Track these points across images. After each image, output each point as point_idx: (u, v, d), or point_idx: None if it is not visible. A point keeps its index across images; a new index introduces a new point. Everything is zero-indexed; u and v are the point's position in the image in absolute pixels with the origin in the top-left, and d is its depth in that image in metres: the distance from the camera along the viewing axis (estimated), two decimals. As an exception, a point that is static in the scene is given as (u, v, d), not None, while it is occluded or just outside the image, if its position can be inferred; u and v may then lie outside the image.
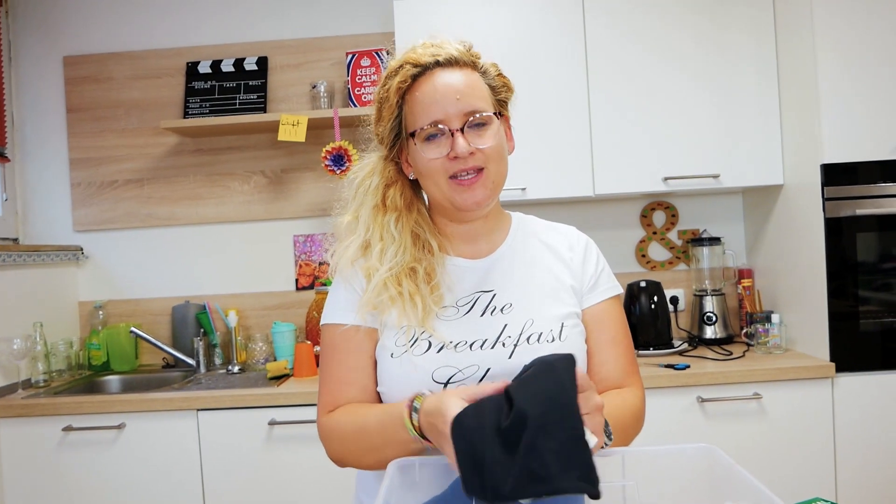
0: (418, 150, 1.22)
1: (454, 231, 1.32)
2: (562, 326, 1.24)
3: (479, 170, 1.21)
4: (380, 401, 1.26)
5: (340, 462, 1.24)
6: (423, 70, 1.22)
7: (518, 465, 0.91)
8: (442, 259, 1.29)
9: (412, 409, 1.08)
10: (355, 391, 1.24)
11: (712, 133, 2.79)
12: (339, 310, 1.28)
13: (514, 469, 0.90)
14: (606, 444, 1.05)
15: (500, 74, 1.31)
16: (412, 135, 1.22)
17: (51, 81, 3.33)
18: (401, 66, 1.23)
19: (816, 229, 2.52)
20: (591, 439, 0.94)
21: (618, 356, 1.31)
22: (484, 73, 1.27)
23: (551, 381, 0.98)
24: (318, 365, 1.37)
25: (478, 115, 1.21)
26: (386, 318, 1.24)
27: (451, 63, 1.23)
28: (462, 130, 1.19)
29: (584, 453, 0.93)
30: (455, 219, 1.30)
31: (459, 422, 0.96)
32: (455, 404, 0.99)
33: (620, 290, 1.38)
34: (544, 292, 1.29)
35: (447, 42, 1.25)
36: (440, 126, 1.20)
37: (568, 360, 1.03)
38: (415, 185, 1.33)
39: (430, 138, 1.21)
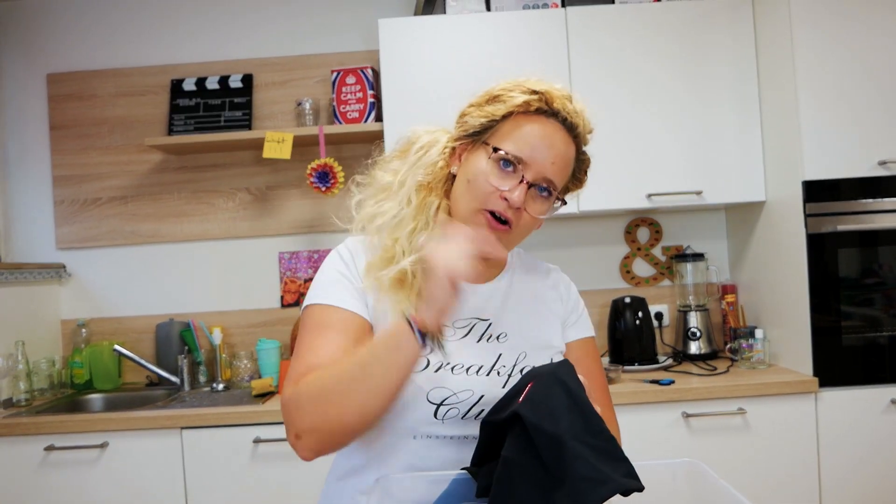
0: (485, 165, 1.19)
1: None
2: (551, 361, 1.26)
3: (507, 223, 1.19)
4: None
5: (310, 430, 1.07)
6: (548, 112, 1.19)
7: (573, 478, 0.91)
8: None
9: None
10: None
11: (695, 150, 2.82)
12: (337, 293, 1.20)
13: (574, 484, 0.91)
14: None
15: (586, 171, 1.31)
16: (494, 149, 1.19)
17: (34, 99, 3.32)
18: (535, 92, 1.19)
19: (798, 245, 2.55)
20: None
21: (592, 389, 1.30)
22: (580, 159, 1.27)
23: (561, 391, 0.99)
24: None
25: (549, 189, 1.20)
26: (381, 319, 1.20)
27: (570, 130, 1.21)
28: (529, 186, 1.18)
29: (619, 449, 0.96)
30: None
31: (504, 479, 0.97)
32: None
33: (595, 335, 1.41)
34: (537, 326, 1.31)
35: (582, 110, 1.23)
36: (518, 165, 1.17)
37: (567, 366, 1.04)
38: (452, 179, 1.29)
39: (503, 164, 1.18)
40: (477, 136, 1.23)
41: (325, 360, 1.12)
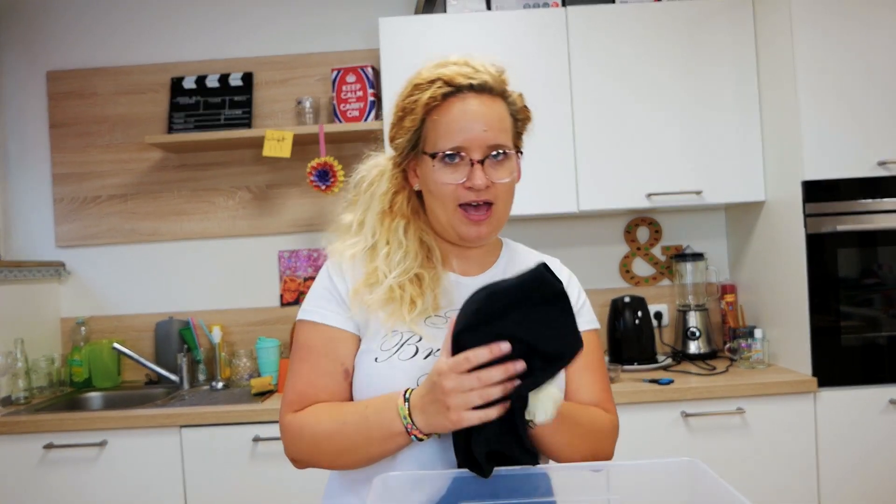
0: (434, 171, 1.21)
1: (448, 248, 1.32)
2: None
3: (489, 204, 1.22)
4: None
5: (304, 462, 1.23)
6: (455, 91, 1.21)
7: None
8: (445, 271, 1.29)
9: (405, 398, 1.09)
10: (324, 396, 1.23)
11: (695, 150, 2.82)
12: (322, 308, 1.26)
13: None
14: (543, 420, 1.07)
15: (524, 106, 1.30)
16: (432, 155, 1.21)
17: (34, 96, 3.32)
18: (433, 81, 1.21)
19: (798, 245, 2.55)
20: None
21: (593, 382, 1.30)
22: (510, 103, 1.26)
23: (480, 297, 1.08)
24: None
25: (500, 151, 1.21)
26: (371, 321, 1.23)
27: (483, 90, 1.21)
28: (482, 162, 1.19)
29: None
30: (452, 240, 1.30)
31: None
32: (442, 361, 1.04)
33: (599, 325, 1.40)
34: None
35: (482, 65, 1.24)
36: (461, 154, 1.19)
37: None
38: (418, 194, 1.32)
39: (447, 161, 1.20)
40: (414, 150, 1.26)
41: (316, 388, 1.23)
